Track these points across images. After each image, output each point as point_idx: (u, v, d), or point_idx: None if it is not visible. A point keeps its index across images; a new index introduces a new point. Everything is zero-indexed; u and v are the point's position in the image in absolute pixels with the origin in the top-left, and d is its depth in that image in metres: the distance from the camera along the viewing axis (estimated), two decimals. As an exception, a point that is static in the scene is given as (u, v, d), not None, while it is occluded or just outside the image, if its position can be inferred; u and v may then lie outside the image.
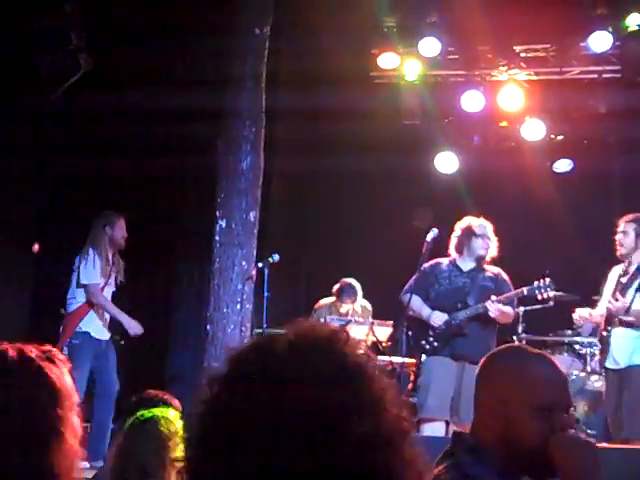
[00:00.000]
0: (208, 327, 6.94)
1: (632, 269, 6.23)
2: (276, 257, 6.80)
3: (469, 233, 6.43)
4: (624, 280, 6.23)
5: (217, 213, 7.07)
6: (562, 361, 8.07)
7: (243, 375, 1.20)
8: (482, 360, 2.32)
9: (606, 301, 6.32)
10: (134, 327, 6.69)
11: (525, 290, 6.22)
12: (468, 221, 6.47)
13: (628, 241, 6.22)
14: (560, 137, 9.04)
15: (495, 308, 6.16)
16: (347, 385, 1.18)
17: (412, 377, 7.03)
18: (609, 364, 6.15)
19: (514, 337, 8.07)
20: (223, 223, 7.04)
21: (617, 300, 6.09)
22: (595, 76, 8.58)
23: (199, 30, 7.92)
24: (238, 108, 7.20)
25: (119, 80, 8.14)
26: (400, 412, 1.22)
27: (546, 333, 8.26)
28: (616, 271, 6.40)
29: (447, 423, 6.25)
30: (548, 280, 6.17)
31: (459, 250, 6.46)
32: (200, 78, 7.88)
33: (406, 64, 8.56)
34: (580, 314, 6.36)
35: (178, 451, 3.43)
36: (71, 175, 8.51)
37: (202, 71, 8.05)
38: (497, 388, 2.21)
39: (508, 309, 6.33)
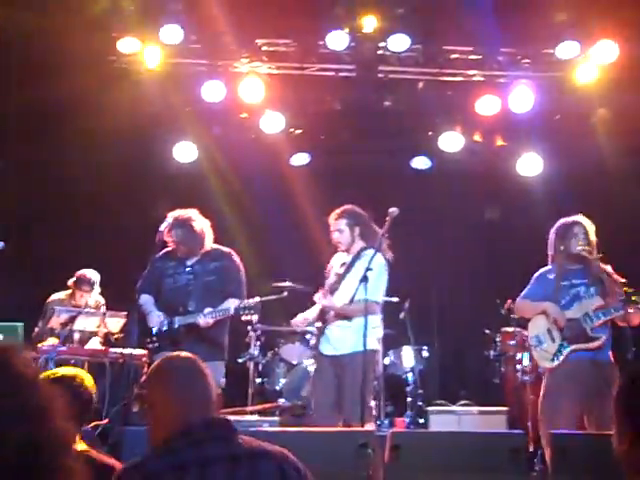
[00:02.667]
0: None
1: (349, 260, 6.47)
2: (1, 244, 6.42)
3: (184, 225, 6.42)
4: (342, 271, 6.48)
5: None
6: (294, 350, 8.37)
7: None
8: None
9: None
10: None
11: (232, 309, 6.25)
12: (187, 214, 6.45)
13: (345, 237, 6.42)
14: (298, 131, 9.28)
15: (204, 322, 6.20)
16: (12, 393, 1.26)
17: (146, 369, 6.94)
18: (325, 350, 6.35)
19: (249, 327, 8.24)
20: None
21: (326, 297, 6.29)
22: (332, 73, 8.87)
23: None
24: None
25: None
26: (63, 423, 1.32)
27: (280, 323, 8.49)
28: (338, 259, 6.64)
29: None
30: (253, 302, 6.24)
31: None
32: None
33: (147, 50, 8.36)
34: (295, 322, 6.52)
35: None
36: None
37: None
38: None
39: (223, 315, 6.36)
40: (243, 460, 2.44)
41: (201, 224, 6.46)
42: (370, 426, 5.85)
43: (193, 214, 6.45)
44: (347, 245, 6.45)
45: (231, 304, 6.29)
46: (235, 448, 2.46)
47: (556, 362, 6.04)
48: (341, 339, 6.29)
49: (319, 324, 6.40)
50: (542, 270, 6.29)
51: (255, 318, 6.49)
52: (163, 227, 6.30)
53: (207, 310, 6.21)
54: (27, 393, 1.28)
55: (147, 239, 6.54)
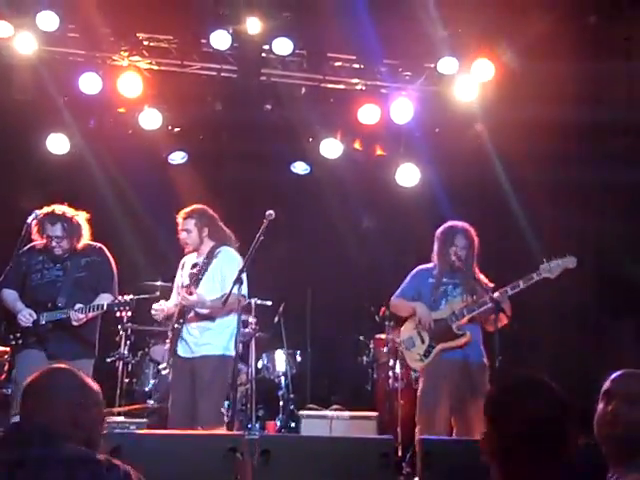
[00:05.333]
0: None
1: (201, 260, 6.38)
2: None
3: (66, 219, 6.20)
4: (195, 271, 6.37)
5: None
6: (162, 351, 8.17)
7: None
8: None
9: (177, 292, 6.44)
10: None
11: (106, 305, 6.07)
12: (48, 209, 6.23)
13: (193, 237, 6.37)
14: (177, 129, 9.11)
15: (75, 318, 5.98)
16: None
17: (6, 367, 6.64)
18: (182, 352, 6.23)
19: (119, 327, 8.01)
20: None
21: (191, 294, 6.16)
22: (214, 73, 8.74)
23: None
24: None
25: None
26: None
27: (151, 323, 8.29)
28: (188, 261, 6.52)
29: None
30: (129, 299, 6.08)
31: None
32: None
33: (20, 36, 7.97)
34: (155, 307, 6.33)
35: None
36: None
37: None
38: None
39: (96, 310, 6.14)
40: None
41: (81, 218, 6.27)
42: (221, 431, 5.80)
43: (70, 209, 6.24)
44: (195, 245, 6.40)
45: (104, 300, 6.09)
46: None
47: (425, 361, 6.16)
48: (200, 341, 6.18)
49: (176, 325, 6.24)
50: (420, 267, 6.45)
51: (129, 314, 6.27)
52: (34, 220, 6.04)
53: (78, 306, 5.98)
54: None
55: (11, 232, 6.27)
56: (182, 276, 6.49)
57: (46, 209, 6.17)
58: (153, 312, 6.30)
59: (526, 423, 2.17)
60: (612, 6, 8.14)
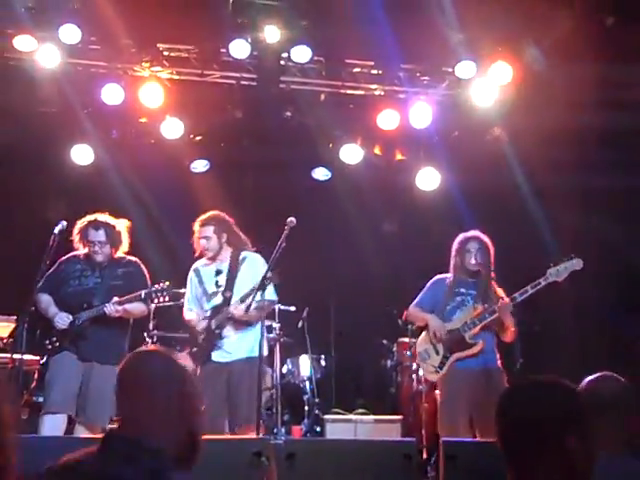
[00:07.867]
0: None
1: (225, 267, 6.48)
2: None
3: (110, 227, 6.39)
4: (220, 278, 6.45)
5: None
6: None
7: None
8: (123, 365, 2.43)
9: (198, 298, 6.55)
10: None
11: (143, 293, 6.19)
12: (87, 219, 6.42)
13: (213, 244, 6.49)
14: (198, 137, 9.19)
15: (113, 309, 6.11)
16: None
17: (37, 375, 6.74)
18: (217, 357, 6.34)
19: (145, 334, 8.10)
20: None
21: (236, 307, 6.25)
22: (233, 82, 8.82)
23: None
24: None
25: None
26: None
27: (176, 330, 8.38)
28: (204, 269, 6.60)
29: (70, 419, 6.08)
30: (166, 284, 6.19)
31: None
32: None
33: (43, 49, 8.10)
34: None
35: None
36: None
37: None
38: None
39: (135, 306, 6.28)
40: None
41: (122, 226, 6.50)
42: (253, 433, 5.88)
43: (112, 217, 6.48)
44: (214, 252, 6.49)
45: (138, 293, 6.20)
46: None
47: (441, 373, 6.18)
48: (237, 345, 6.27)
49: (213, 331, 6.32)
50: (438, 277, 6.48)
51: (167, 299, 6.35)
52: (57, 230, 6.17)
53: (115, 299, 6.12)
54: None
55: (36, 241, 6.39)
56: (204, 283, 6.55)
57: (89, 217, 6.42)
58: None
59: (526, 424, 2.20)
60: (630, 7, 8.13)
